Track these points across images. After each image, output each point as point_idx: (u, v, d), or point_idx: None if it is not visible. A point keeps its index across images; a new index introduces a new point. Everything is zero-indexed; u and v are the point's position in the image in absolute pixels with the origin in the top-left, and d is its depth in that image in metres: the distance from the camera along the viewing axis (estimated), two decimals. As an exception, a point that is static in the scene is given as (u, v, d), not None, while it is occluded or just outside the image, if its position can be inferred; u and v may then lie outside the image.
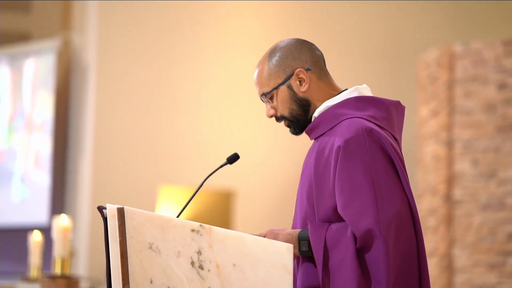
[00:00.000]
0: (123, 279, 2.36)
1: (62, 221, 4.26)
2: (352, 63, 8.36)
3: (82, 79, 8.32)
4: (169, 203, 7.90)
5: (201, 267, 2.40)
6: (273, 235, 2.49)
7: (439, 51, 7.18)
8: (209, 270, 2.40)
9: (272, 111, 2.63)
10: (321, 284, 2.43)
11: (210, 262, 2.41)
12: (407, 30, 8.50)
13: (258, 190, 8.08)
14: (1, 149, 8.65)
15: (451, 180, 7.04)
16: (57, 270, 4.29)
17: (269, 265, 2.42)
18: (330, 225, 2.47)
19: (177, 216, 2.62)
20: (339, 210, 2.46)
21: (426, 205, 7.28)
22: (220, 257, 2.41)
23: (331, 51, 8.31)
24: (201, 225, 2.43)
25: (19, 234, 7.89)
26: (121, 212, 2.40)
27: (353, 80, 8.34)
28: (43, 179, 8.28)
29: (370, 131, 2.46)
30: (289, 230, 2.52)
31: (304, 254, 2.49)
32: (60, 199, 8.20)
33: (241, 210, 8.13)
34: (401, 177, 2.46)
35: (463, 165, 7.00)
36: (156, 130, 8.00)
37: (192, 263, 2.40)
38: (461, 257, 6.92)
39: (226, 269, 2.40)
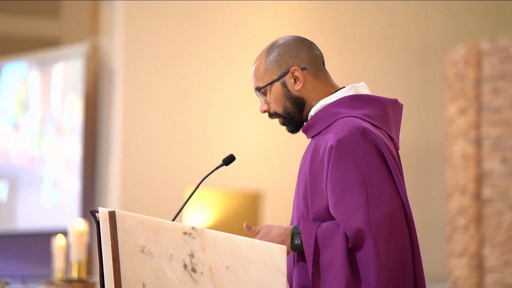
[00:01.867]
0: (115, 283, 2.35)
1: (78, 225, 4.28)
2: (379, 63, 8.31)
3: (110, 83, 8.37)
4: (196, 205, 7.91)
5: (193, 270, 2.39)
6: (268, 228, 2.49)
7: (466, 48, 7.11)
8: (202, 273, 2.39)
9: (265, 106, 2.63)
10: (311, 281, 2.42)
11: (203, 265, 2.40)
12: (434, 28, 8.44)
13: (286, 190, 8.07)
14: (32, 154, 8.72)
15: (480, 178, 6.97)
16: (74, 274, 4.31)
17: (262, 267, 2.40)
18: (321, 223, 2.45)
19: (174, 217, 2.62)
20: (330, 209, 2.44)
21: (455, 204, 7.20)
22: (212, 259, 2.40)
23: (357, 51, 8.27)
24: (193, 228, 2.42)
25: (50, 238, 7.96)
26: (112, 216, 2.39)
27: (380, 79, 8.28)
28: (74, 183, 8.34)
29: (363, 131, 2.44)
30: (285, 226, 2.51)
31: (296, 249, 2.47)
32: (90, 203, 8.25)
33: (268, 211, 8.12)
34: (395, 177, 2.44)
35: (492, 164, 6.92)
36: (184, 132, 8.02)
37: (185, 266, 2.39)
38: (491, 257, 6.85)
39: (219, 272, 2.39)
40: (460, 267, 7.03)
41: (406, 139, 8.24)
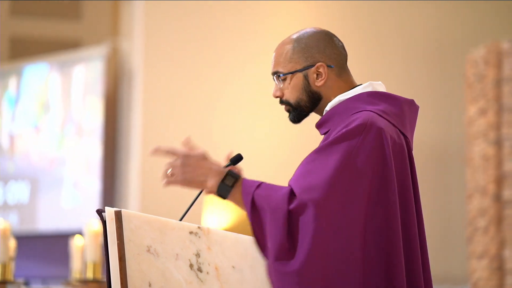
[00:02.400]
0: (121, 283, 2.36)
1: (93, 226, 4.29)
2: (399, 63, 8.28)
3: (130, 84, 8.40)
4: (215, 206, 7.91)
5: (199, 270, 2.39)
6: (200, 157, 2.45)
7: (486, 48, 7.06)
8: (208, 273, 2.39)
9: (278, 93, 2.61)
10: (251, 224, 2.35)
11: (209, 264, 2.40)
12: (454, 28, 8.39)
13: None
14: (53, 156, 8.76)
15: (500, 180, 6.92)
16: (89, 274, 4.32)
17: (268, 266, 2.39)
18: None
19: (182, 217, 2.61)
20: (292, 178, 2.41)
21: (476, 206, 7.16)
22: (219, 259, 2.40)
23: (376, 51, 8.24)
24: (199, 227, 2.42)
25: (70, 239, 7.99)
26: (118, 216, 2.40)
27: (400, 79, 8.25)
28: (94, 184, 8.36)
29: (375, 129, 2.41)
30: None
31: (222, 191, 2.40)
32: (110, 204, 8.27)
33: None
34: (389, 184, 2.39)
35: (512, 165, 6.89)
36: (203, 134, 8.02)
37: (191, 266, 2.39)
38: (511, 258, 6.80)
39: (225, 271, 2.39)
40: (480, 269, 6.98)
41: (426, 140, 8.20)
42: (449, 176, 8.28)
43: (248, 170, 8.62)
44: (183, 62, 8.04)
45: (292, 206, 2.33)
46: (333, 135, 2.43)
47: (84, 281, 4.10)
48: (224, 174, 2.41)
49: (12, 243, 4.97)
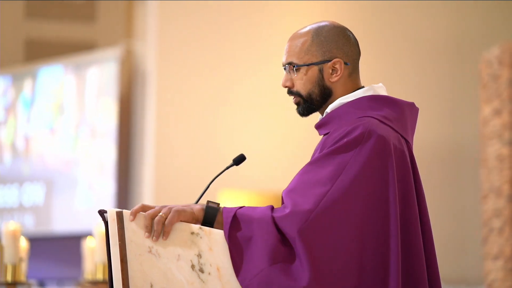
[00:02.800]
0: (123, 283, 2.35)
1: (102, 227, 4.29)
2: (413, 63, 8.26)
3: (143, 86, 8.42)
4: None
5: (201, 271, 2.38)
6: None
7: (501, 48, 7.02)
8: (209, 273, 2.38)
9: (288, 83, 2.58)
10: (230, 254, 2.35)
11: (211, 265, 2.38)
12: (468, 29, 8.36)
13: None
14: (67, 158, 8.79)
15: (515, 180, 6.89)
16: (99, 275, 4.33)
17: (269, 267, 2.38)
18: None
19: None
20: (286, 189, 2.41)
21: (491, 206, 7.12)
22: (220, 259, 2.38)
23: (390, 52, 8.22)
24: (200, 228, 2.40)
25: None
26: (120, 216, 2.39)
27: (414, 80, 8.22)
28: (108, 185, 8.39)
29: (374, 138, 2.39)
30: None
31: (208, 215, 2.40)
32: (124, 205, 8.29)
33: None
34: (390, 191, 2.37)
35: (527, 165, 6.84)
36: (216, 135, 8.03)
37: (193, 267, 2.38)
38: (527, 259, 6.77)
39: (227, 272, 2.38)
40: (495, 270, 6.94)
41: (441, 141, 8.17)
42: (464, 177, 8.24)
43: (263, 169, 8.58)
44: (196, 64, 8.05)
45: (279, 214, 2.34)
46: (331, 143, 2.42)
47: (94, 282, 4.11)
48: (205, 203, 2.43)
49: (25, 245, 4.98)
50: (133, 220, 2.37)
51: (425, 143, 8.06)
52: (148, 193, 8.08)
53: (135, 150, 8.51)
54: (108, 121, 8.48)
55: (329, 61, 2.54)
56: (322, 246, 2.30)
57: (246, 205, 2.44)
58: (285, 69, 2.60)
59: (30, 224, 8.97)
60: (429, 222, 2.48)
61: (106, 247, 2.40)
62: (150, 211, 2.39)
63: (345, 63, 2.54)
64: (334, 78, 2.54)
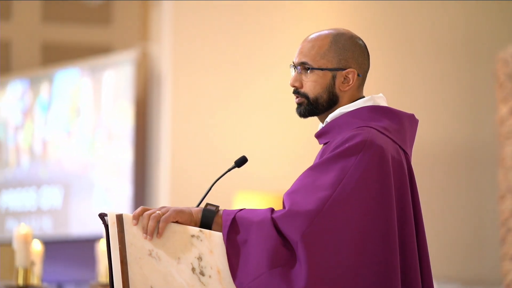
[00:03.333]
0: (123, 286, 2.36)
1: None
2: (429, 63, 8.23)
3: (159, 88, 8.44)
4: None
5: (202, 273, 2.38)
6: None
7: (517, 47, 6.99)
8: (210, 276, 2.38)
9: (297, 83, 2.59)
10: (227, 258, 2.35)
11: (211, 268, 2.38)
12: (484, 28, 8.32)
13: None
14: (84, 161, 8.82)
15: (532, 180, 6.85)
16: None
17: (270, 269, 2.37)
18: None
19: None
20: (287, 191, 2.41)
21: (508, 206, 7.07)
22: (221, 262, 2.39)
23: (406, 52, 8.19)
24: (200, 231, 2.41)
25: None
26: (120, 219, 2.41)
27: (430, 79, 8.19)
28: (125, 188, 8.41)
29: (372, 146, 2.41)
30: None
31: (206, 217, 2.41)
32: (141, 208, 8.30)
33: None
34: (386, 197, 2.37)
35: (544, 164, 6.80)
36: (232, 137, 8.03)
37: (193, 270, 2.38)
38: (545, 260, 6.72)
39: (227, 275, 2.38)
40: (513, 271, 6.90)
41: (458, 141, 8.13)
42: (481, 177, 8.20)
43: (279, 170, 8.53)
44: (211, 66, 8.06)
45: (277, 213, 2.34)
46: (331, 149, 2.44)
47: (105, 285, 4.12)
48: (204, 206, 2.45)
49: (39, 248, 5.00)
50: (136, 224, 2.38)
51: (442, 143, 8.03)
52: (164, 195, 8.10)
53: (151, 152, 8.53)
54: (125, 124, 8.50)
55: (343, 69, 2.55)
56: (323, 251, 2.30)
57: (259, 207, 2.44)
58: (295, 68, 2.59)
59: (48, 227, 9.01)
60: (424, 229, 2.49)
61: (107, 250, 2.41)
62: (149, 211, 2.40)
63: (358, 75, 2.56)
64: (345, 88, 2.56)
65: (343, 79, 2.55)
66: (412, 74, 8.14)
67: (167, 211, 2.39)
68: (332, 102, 2.56)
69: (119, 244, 2.38)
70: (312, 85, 2.56)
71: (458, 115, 8.12)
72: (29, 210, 9.26)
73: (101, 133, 8.71)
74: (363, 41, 2.61)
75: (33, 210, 9.23)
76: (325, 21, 8.09)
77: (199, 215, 2.41)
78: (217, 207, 2.43)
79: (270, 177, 7.90)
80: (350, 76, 2.54)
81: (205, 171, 7.98)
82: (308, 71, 2.56)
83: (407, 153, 2.51)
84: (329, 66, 2.55)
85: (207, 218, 2.41)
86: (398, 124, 2.51)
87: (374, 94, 2.58)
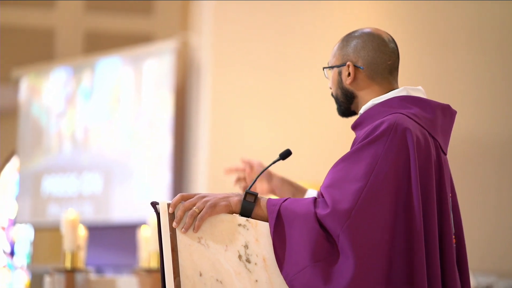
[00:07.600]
0: (174, 272, 2.45)
1: (155, 218, 4.40)
2: (467, 60, 8.21)
3: (199, 78, 8.51)
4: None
5: (248, 261, 2.47)
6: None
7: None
8: (256, 264, 2.46)
9: (329, 85, 2.72)
10: (273, 247, 2.43)
11: (257, 255, 2.47)
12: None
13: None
14: (125, 148, 8.91)
15: None
16: (153, 263, 4.43)
17: (314, 258, 2.46)
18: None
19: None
20: (323, 185, 2.48)
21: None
22: (266, 250, 2.47)
23: (448, 48, 8.18)
24: (247, 220, 2.50)
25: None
26: (171, 208, 2.50)
27: (468, 76, 8.18)
28: (164, 176, 8.49)
29: (401, 129, 2.46)
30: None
31: (245, 207, 2.48)
32: (179, 196, 8.38)
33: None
34: (413, 182, 2.43)
35: None
36: (270, 129, 8.08)
37: (240, 257, 2.47)
38: None
39: (273, 263, 2.46)
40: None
41: (494, 137, 8.12)
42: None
43: (321, 161, 8.55)
44: (251, 57, 8.11)
45: (322, 211, 2.42)
46: (362, 138, 2.50)
47: (149, 270, 4.22)
48: (243, 194, 2.50)
49: (83, 233, 5.11)
50: (172, 211, 2.46)
51: (479, 138, 8.02)
52: (202, 183, 8.18)
53: (190, 141, 8.62)
54: (164, 113, 8.58)
55: (344, 64, 2.64)
56: (363, 242, 2.38)
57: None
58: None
59: (89, 212, 9.13)
60: (460, 216, 2.54)
61: (158, 238, 2.50)
62: (186, 203, 2.46)
63: (358, 67, 2.61)
64: (348, 81, 2.63)
65: (347, 74, 2.63)
66: (450, 71, 8.12)
67: (203, 207, 2.46)
68: (348, 97, 2.66)
69: (170, 232, 2.47)
70: (331, 85, 2.70)
71: (494, 112, 8.10)
72: (71, 196, 9.39)
73: (141, 121, 8.79)
74: (381, 35, 2.63)
75: (75, 196, 9.36)
76: (366, 21, 8.12)
77: (238, 207, 2.48)
78: (256, 195, 2.49)
79: (307, 169, 7.93)
80: (350, 69, 2.62)
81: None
82: (327, 72, 2.72)
83: (437, 140, 2.56)
84: (336, 63, 2.66)
85: (246, 211, 2.48)
86: (430, 113, 2.56)
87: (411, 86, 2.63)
